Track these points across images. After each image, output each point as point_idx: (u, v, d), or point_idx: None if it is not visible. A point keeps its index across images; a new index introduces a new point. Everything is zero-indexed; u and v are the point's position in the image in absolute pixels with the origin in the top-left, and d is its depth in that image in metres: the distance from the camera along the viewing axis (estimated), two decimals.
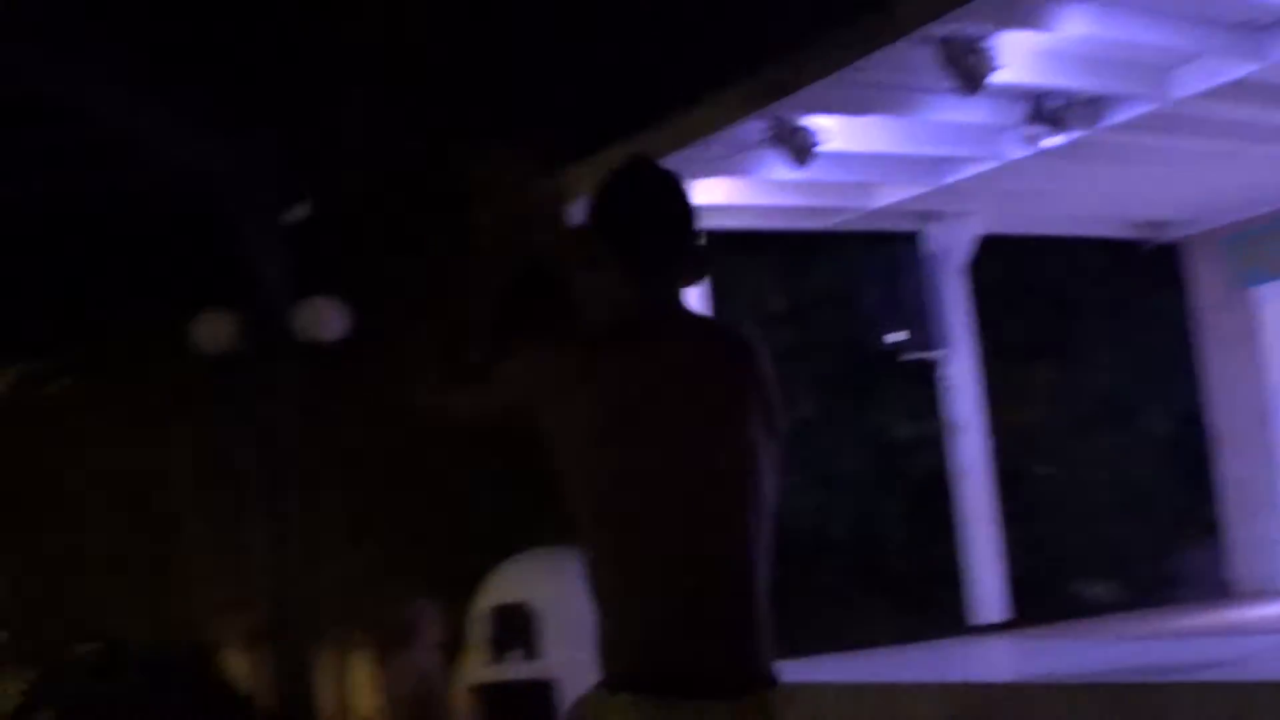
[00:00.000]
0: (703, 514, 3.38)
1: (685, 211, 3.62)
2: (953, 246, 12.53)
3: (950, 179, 11.35)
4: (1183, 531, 15.80)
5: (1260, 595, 13.52)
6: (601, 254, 3.54)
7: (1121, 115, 10.30)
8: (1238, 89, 10.15)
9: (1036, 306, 15.84)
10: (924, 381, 13.12)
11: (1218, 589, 14.30)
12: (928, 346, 12.41)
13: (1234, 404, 14.21)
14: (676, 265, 3.59)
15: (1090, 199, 13.01)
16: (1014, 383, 15.58)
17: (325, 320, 12.47)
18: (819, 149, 9.83)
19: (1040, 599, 13.83)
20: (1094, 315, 16.10)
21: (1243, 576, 14.10)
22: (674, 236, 3.60)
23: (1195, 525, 15.67)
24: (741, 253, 13.96)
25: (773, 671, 3.45)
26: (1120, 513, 15.48)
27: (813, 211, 12.05)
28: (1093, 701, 7.33)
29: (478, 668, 12.88)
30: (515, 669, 10.46)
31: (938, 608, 12.92)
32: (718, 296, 11.37)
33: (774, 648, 3.46)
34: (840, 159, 10.52)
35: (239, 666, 13.51)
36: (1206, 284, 14.44)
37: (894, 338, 12.37)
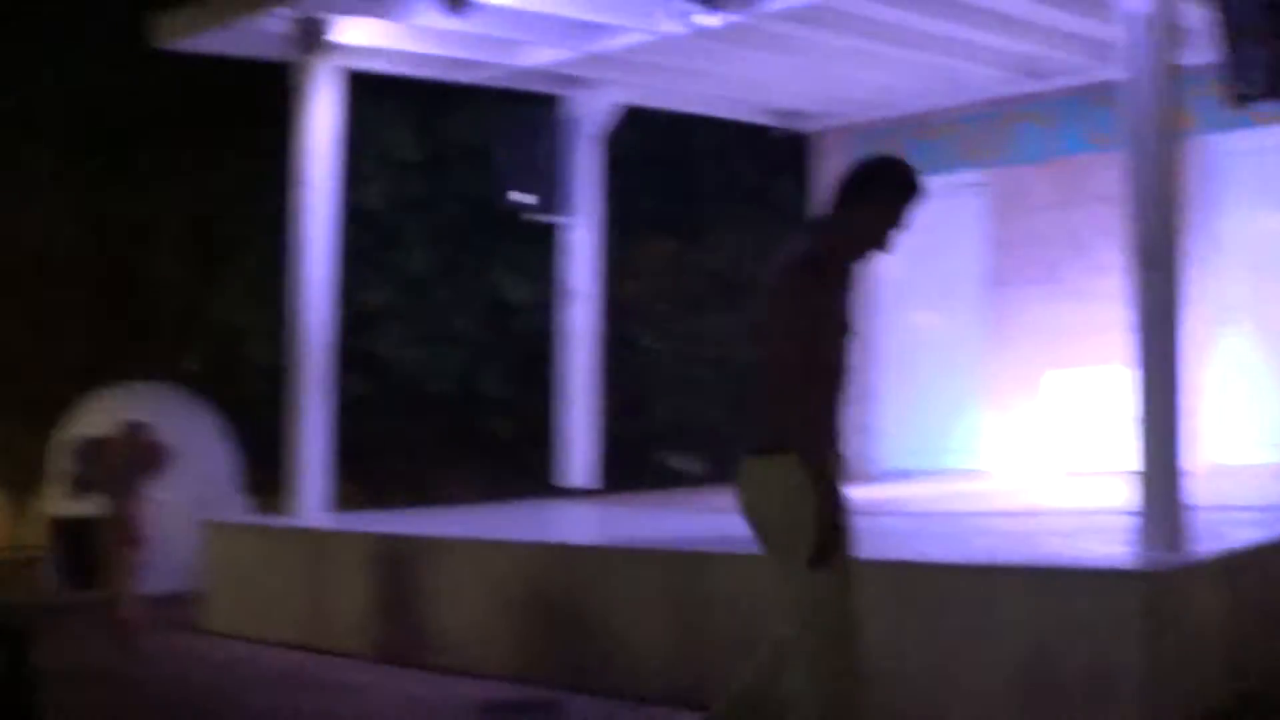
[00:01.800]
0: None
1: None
2: (592, 114, 12.51)
3: (599, 46, 11.31)
4: None
5: (845, 478, 14.08)
6: None
7: (779, 4, 10.43)
8: None
9: (665, 182, 16.04)
10: (545, 245, 13.14)
11: None
12: (554, 211, 12.40)
13: None
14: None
15: (734, 83, 13.17)
16: (633, 255, 15.79)
17: None
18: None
19: (630, 467, 14.14)
20: (720, 197, 16.41)
21: None
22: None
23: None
24: (380, 98, 13.70)
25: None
26: (717, 391, 15.92)
27: (458, 63, 11.84)
28: (657, 567, 7.56)
29: (58, 500, 12.48)
30: (94, 504, 10.12)
31: (533, 470, 13.06)
32: (350, 141, 11.18)
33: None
34: (493, 13, 10.35)
35: None
36: (830, 177, 14.79)
37: (522, 199, 12.31)
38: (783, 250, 5.00)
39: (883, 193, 5.17)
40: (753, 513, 4.95)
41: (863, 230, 5.07)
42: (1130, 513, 6.69)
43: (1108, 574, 6.07)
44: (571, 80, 12.43)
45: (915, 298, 14.52)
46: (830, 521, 4.78)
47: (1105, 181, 12.49)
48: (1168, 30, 6.87)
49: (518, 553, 8.40)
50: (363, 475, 13.56)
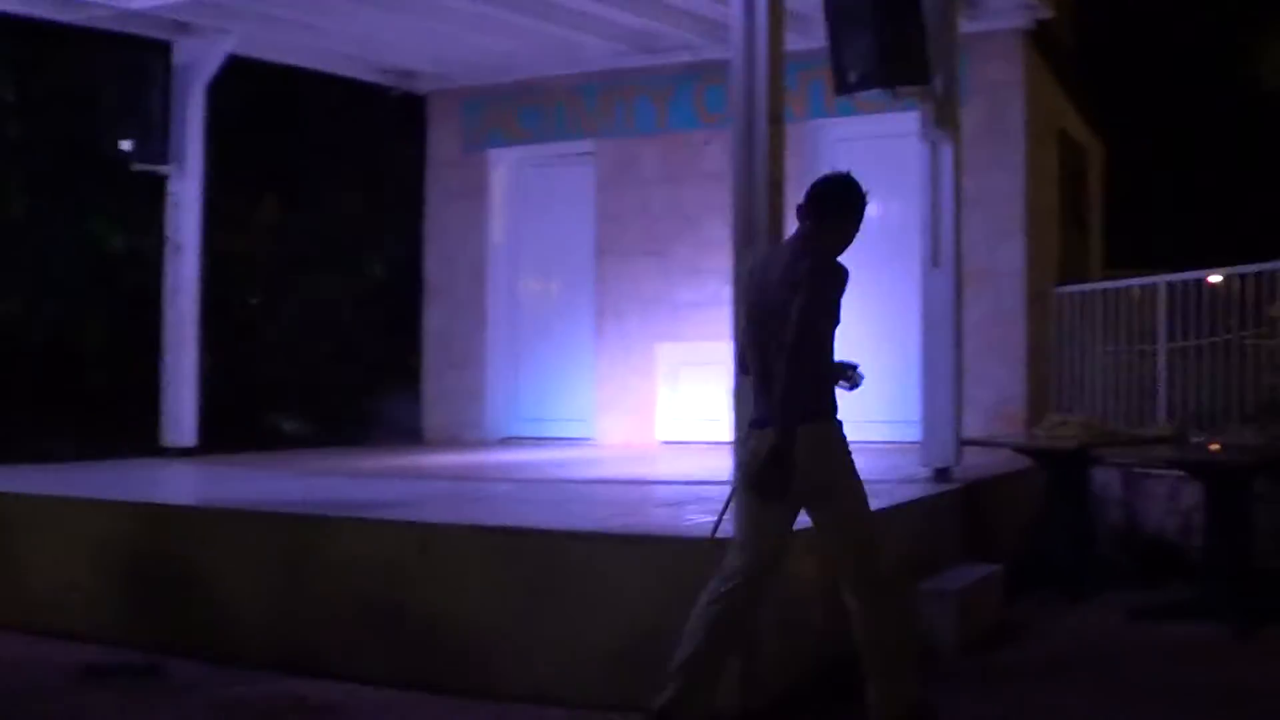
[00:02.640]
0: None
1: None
2: (201, 62, 12.15)
3: None
4: (383, 376, 16.27)
5: (451, 444, 14.17)
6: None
7: None
8: None
9: (276, 136, 15.73)
10: (149, 196, 12.73)
11: (411, 435, 14.85)
12: (160, 160, 12.04)
13: (450, 259, 14.72)
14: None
15: (346, 38, 13.03)
16: (239, 209, 15.44)
17: None
18: None
19: (234, 427, 13.86)
20: (331, 153, 16.18)
21: (437, 425, 14.72)
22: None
23: (397, 372, 16.17)
24: None
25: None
26: (325, 352, 15.74)
27: (63, 3, 11.37)
28: (259, 528, 7.46)
29: None
30: None
31: (134, 428, 12.67)
32: None
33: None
34: None
35: None
36: (444, 140, 14.84)
37: (127, 147, 11.91)
38: (778, 257, 6.00)
39: (850, 208, 5.98)
40: (808, 477, 5.58)
41: (833, 241, 5.93)
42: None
43: (707, 543, 6.25)
44: (181, 27, 12.09)
45: (525, 266, 14.67)
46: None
47: (715, 159, 12.88)
48: (777, 13, 7.08)
49: (115, 512, 8.16)
50: None
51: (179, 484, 10.22)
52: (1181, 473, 9.73)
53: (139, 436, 12.31)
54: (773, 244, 6.76)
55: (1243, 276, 10.26)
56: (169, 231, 12.25)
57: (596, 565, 6.40)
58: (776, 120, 6.92)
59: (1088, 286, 12.15)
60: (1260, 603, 8.06)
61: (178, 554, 7.70)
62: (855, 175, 6.02)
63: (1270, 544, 8.79)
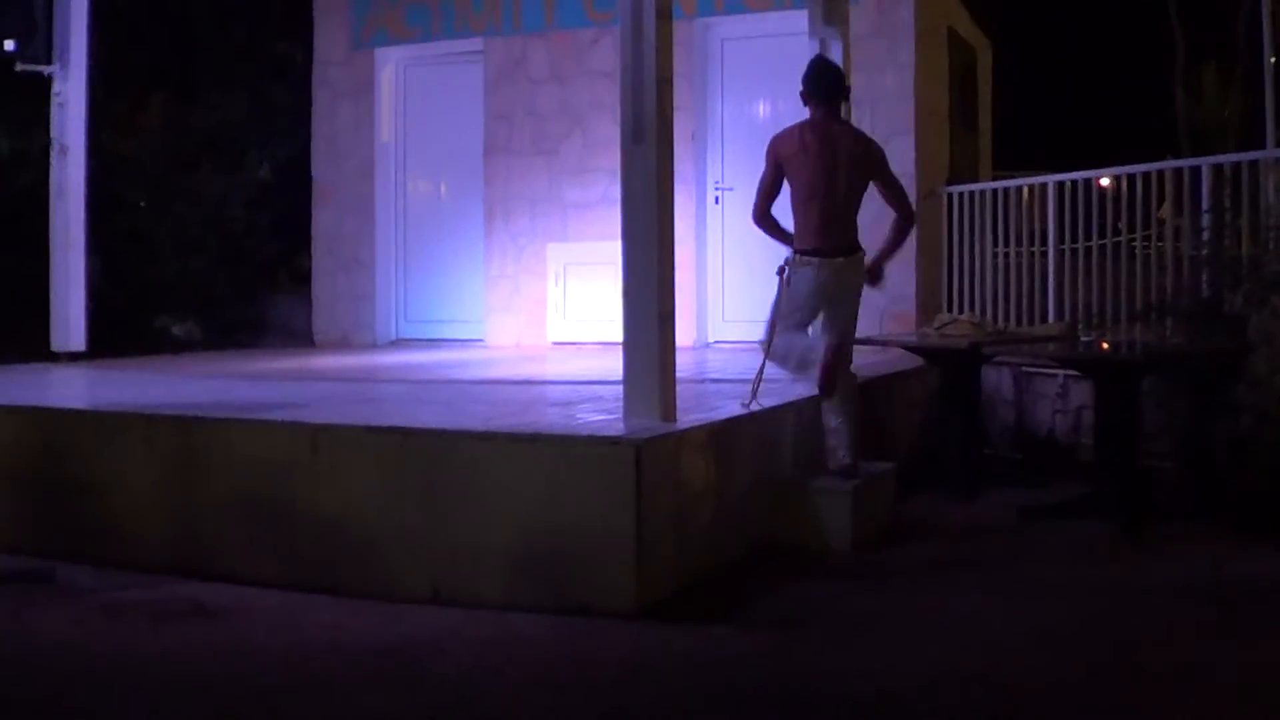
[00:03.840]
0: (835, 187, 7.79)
1: (839, 76, 8.18)
2: None
3: None
4: (273, 279, 16.13)
5: (342, 346, 14.10)
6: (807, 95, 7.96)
7: None
8: None
9: (161, 34, 15.46)
10: (33, 96, 12.50)
11: (302, 338, 14.77)
12: (42, 59, 11.80)
13: (339, 160, 14.59)
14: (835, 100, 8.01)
15: None
16: (125, 110, 15.18)
17: None
18: None
19: (124, 331, 13.71)
20: (217, 52, 15.93)
21: (327, 327, 14.64)
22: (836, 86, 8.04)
23: (286, 274, 16.03)
24: None
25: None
26: (213, 254, 15.57)
27: None
28: (156, 431, 7.39)
29: None
30: None
31: (20, 332, 12.49)
32: None
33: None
34: None
35: None
36: (330, 39, 14.65)
37: (7, 46, 11.66)
38: (849, 129, 8.05)
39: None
40: (847, 287, 7.86)
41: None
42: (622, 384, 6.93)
43: (600, 441, 6.29)
44: None
45: (415, 166, 14.58)
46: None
47: (604, 57, 12.81)
48: None
49: (4, 417, 8.04)
50: None
51: (68, 388, 10.10)
52: (1072, 372, 9.89)
53: (27, 342, 12.16)
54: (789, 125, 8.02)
55: (1131, 177, 10.38)
56: (54, 133, 12.02)
57: (488, 465, 6.42)
58: (665, 16, 6.87)
59: (977, 186, 12.24)
60: (1148, 500, 8.23)
61: (69, 458, 7.62)
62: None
63: (1158, 443, 8.96)
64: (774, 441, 7.75)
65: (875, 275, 8.06)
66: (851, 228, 7.91)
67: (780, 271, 7.87)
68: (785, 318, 7.82)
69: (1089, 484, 8.92)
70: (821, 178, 7.75)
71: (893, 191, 8.06)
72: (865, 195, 7.96)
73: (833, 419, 7.82)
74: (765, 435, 7.65)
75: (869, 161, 7.92)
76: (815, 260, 7.77)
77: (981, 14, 15.42)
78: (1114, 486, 8.27)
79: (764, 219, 7.91)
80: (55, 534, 7.54)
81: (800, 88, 7.96)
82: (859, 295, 7.97)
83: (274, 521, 6.88)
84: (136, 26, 14.77)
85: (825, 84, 7.95)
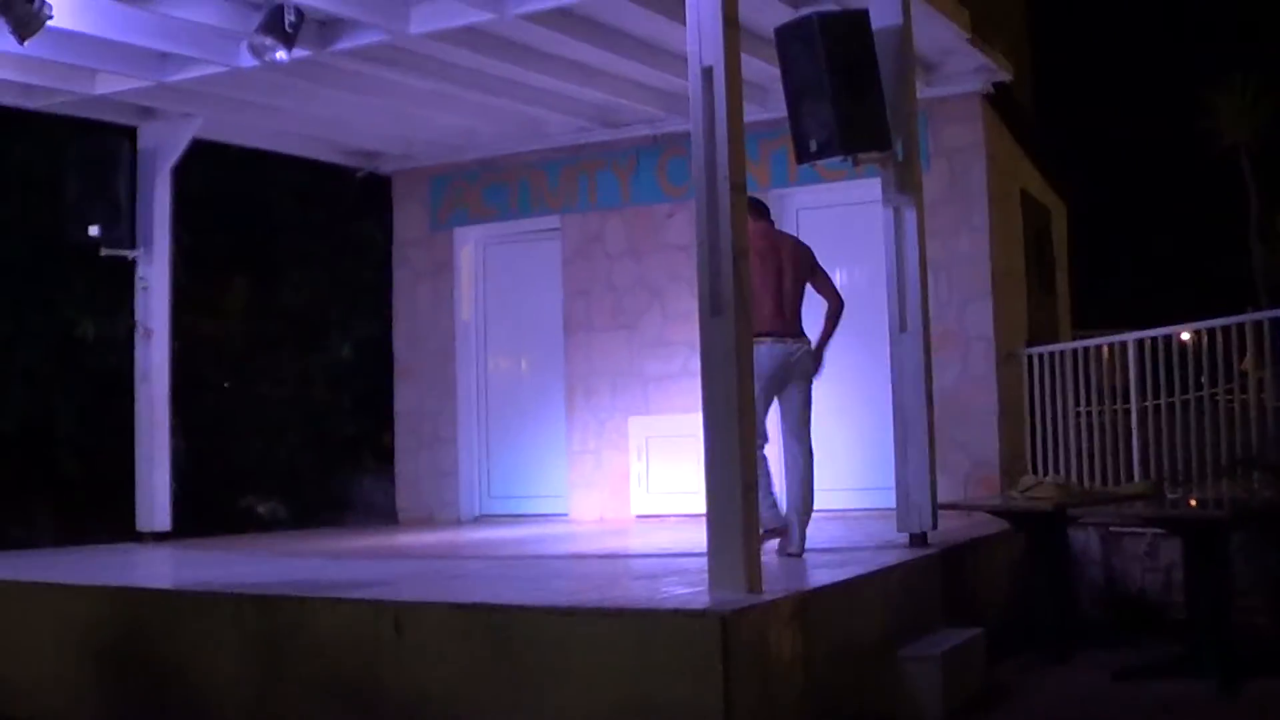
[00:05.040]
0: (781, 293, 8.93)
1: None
2: (166, 146, 12.19)
3: (173, 77, 11.05)
4: (356, 457, 16.24)
5: (426, 523, 14.11)
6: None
7: (355, 42, 10.44)
8: (470, 34, 10.55)
9: (242, 219, 15.76)
10: (117, 280, 12.74)
11: (386, 515, 14.80)
12: (126, 244, 12.04)
13: (419, 338, 14.72)
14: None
15: (309, 120, 13.08)
16: (208, 292, 15.45)
17: None
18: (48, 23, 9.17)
19: (209, 511, 13.81)
20: (298, 235, 16.22)
21: (411, 505, 14.67)
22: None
23: (369, 452, 16.14)
24: None
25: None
26: (297, 434, 15.71)
27: (27, 89, 11.39)
28: (240, 610, 7.39)
29: None
30: None
31: (107, 513, 12.62)
32: None
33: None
34: (65, 39, 10.00)
35: None
36: (410, 219, 14.87)
37: (93, 232, 11.91)
38: (782, 239, 9.26)
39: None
40: (800, 369, 8.88)
41: None
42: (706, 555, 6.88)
43: (685, 614, 6.23)
44: (146, 111, 12.14)
45: (495, 343, 14.68)
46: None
47: (679, 230, 12.94)
48: (735, 83, 7.12)
49: (93, 597, 8.08)
50: None
51: (155, 568, 10.15)
52: (1159, 530, 9.75)
53: (114, 522, 12.26)
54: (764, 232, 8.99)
55: (1211, 330, 10.31)
56: (138, 316, 12.22)
57: (574, 641, 6.36)
58: (739, 189, 6.94)
59: (1057, 347, 12.19)
60: (1243, 657, 8.05)
61: (155, 638, 7.63)
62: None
63: (1250, 599, 8.80)
64: (860, 610, 7.65)
65: (817, 361, 9.03)
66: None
67: None
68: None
69: (1181, 643, 8.75)
70: (773, 275, 8.91)
71: (823, 282, 9.16)
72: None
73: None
74: (852, 604, 7.55)
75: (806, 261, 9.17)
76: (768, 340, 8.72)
77: (1054, 175, 15.48)
78: (1207, 645, 8.10)
79: None
80: (141, 713, 7.53)
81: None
82: (810, 381, 8.96)
83: (359, 699, 6.84)
84: (218, 210, 15.08)
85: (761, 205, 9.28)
